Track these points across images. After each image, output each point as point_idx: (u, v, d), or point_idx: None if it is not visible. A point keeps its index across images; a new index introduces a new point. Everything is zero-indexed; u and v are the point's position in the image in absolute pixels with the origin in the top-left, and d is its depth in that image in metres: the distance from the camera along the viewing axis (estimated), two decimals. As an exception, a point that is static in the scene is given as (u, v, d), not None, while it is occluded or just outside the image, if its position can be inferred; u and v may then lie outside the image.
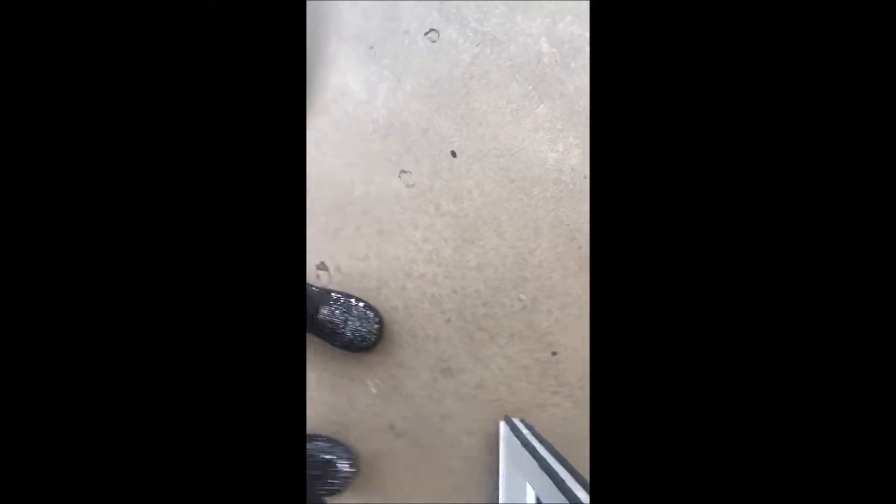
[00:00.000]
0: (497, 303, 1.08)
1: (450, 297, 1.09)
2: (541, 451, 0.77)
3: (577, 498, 0.56)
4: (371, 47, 1.11)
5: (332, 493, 0.98)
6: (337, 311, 1.01)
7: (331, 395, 1.05)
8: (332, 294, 1.02)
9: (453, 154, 1.10)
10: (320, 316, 0.99)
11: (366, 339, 1.00)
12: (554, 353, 1.08)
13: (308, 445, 0.98)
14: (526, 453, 0.79)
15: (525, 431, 0.90)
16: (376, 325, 1.01)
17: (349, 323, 1.01)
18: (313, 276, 1.08)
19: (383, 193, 1.09)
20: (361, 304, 1.02)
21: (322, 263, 1.08)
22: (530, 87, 1.10)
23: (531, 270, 1.07)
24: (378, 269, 1.09)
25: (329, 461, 0.98)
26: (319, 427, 1.04)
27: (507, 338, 1.08)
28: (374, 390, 1.05)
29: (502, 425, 0.99)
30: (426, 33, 1.10)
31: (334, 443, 1.00)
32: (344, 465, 0.98)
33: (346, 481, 0.98)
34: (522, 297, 1.09)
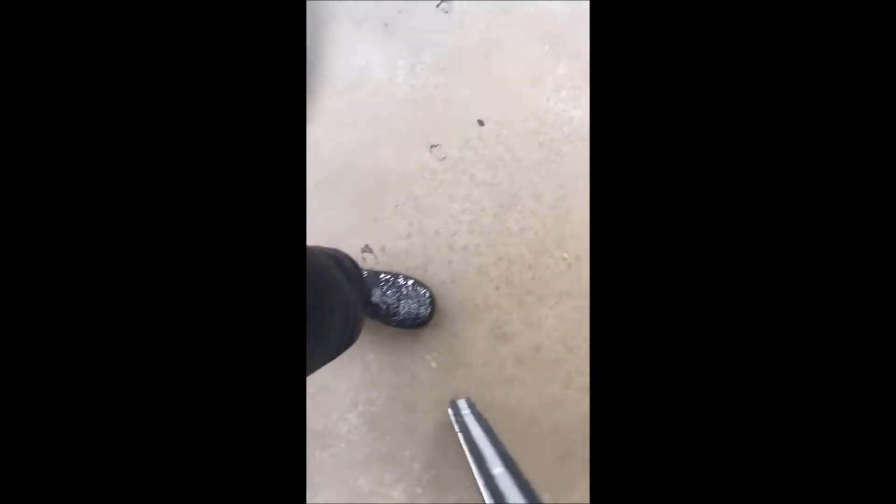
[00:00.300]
0: (542, 265, 1.09)
1: (496, 265, 1.09)
2: (473, 431, 0.80)
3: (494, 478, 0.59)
4: (386, 25, 1.10)
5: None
6: (388, 292, 1.01)
7: (393, 375, 1.05)
8: (381, 276, 1.02)
9: (480, 123, 1.10)
10: (373, 299, 1.00)
11: (419, 315, 1.01)
12: (604, 307, 1.09)
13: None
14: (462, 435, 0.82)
15: (465, 412, 0.92)
16: (428, 301, 1.01)
17: (401, 302, 1.01)
18: (359, 260, 1.07)
19: (417, 170, 1.09)
20: (411, 282, 1.03)
21: (366, 246, 1.08)
22: (547, 48, 1.11)
23: (571, 229, 1.08)
24: (422, 246, 1.09)
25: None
26: (388, 407, 1.04)
27: (556, 298, 1.09)
28: (434, 364, 1.06)
29: (449, 410, 1.00)
30: (438, 5, 1.10)
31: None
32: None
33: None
34: (566, 256, 1.10)
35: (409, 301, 1.01)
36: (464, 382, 1.06)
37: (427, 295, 1.02)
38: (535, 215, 1.10)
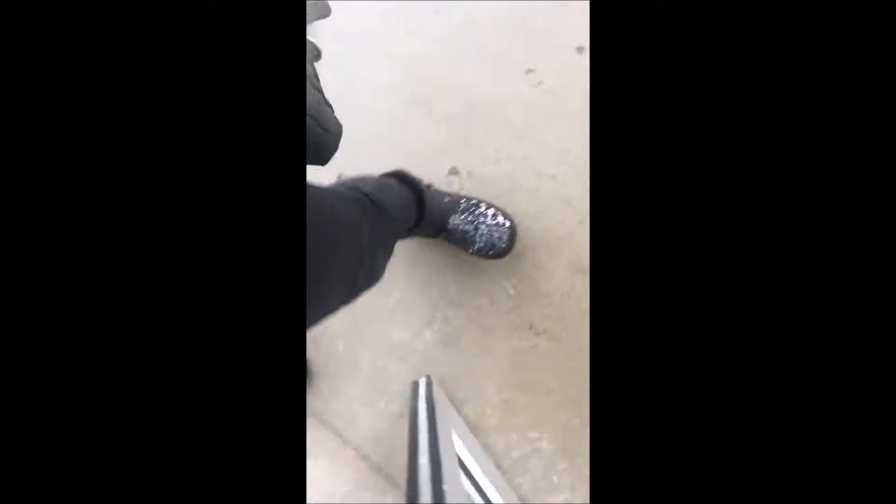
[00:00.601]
0: (631, 201, 1.06)
1: (582, 198, 1.07)
2: (419, 416, 0.80)
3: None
4: (492, -59, 1.07)
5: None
6: (468, 218, 1.00)
7: (471, 297, 1.06)
8: (462, 201, 1.02)
9: (579, 50, 1.06)
10: (450, 224, 0.99)
11: (496, 246, 1.00)
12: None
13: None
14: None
15: (422, 392, 0.92)
16: (507, 232, 1.00)
17: (479, 230, 1.01)
18: (444, 182, 1.07)
19: (510, 94, 1.07)
20: (491, 211, 1.02)
21: (453, 168, 1.08)
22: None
23: (665, 166, 1.04)
24: (510, 172, 1.07)
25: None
26: (464, 328, 1.05)
27: (644, 236, 1.06)
28: (512, 291, 1.06)
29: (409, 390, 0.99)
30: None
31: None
32: (506, 224, 0.99)
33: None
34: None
35: (489, 230, 1.01)
36: (541, 312, 1.06)
37: (507, 226, 1.01)
38: (628, 150, 1.06)
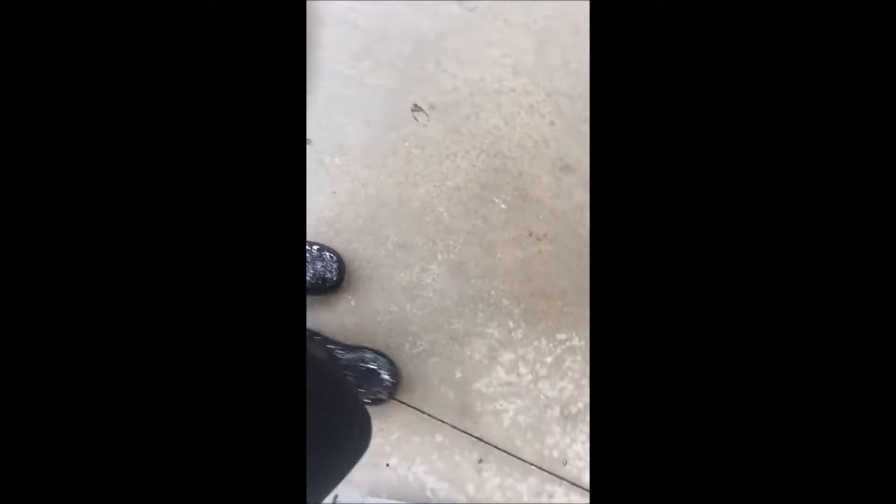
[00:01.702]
0: (592, 92, 1.09)
1: (546, 101, 1.09)
2: None
3: None
4: None
5: (376, 402, 0.97)
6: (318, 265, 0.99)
7: (465, 222, 1.06)
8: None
9: (504, -33, 1.10)
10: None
11: (326, 279, 0.99)
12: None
13: (352, 355, 0.97)
14: None
15: None
16: (335, 266, 0.99)
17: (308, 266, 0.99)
18: (411, 120, 1.08)
19: (449, 24, 1.09)
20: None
21: (415, 105, 1.09)
22: None
23: (614, 52, 1.07)
24: (469, 95, 1.09)
25: (372, 371, 0.96)
26: (466, 252, 1.05)
27: (612, 121, 1.08)
28: (503, 206, 1.07)
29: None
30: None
31: (377, 353, 0.98)
32: (385, 376, 0.96)
33: (390, 391, 0.97)
34: (614, 79, 1.09)
35: (316, 266, 0.99)
36: (536, 218, 1.06)
37: (334, 259, 1.00)
38: (576, 47, 1.09)
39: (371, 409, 0.99)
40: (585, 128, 1.09)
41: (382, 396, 0.97)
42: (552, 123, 1.09)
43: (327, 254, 1.00)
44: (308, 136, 1.09)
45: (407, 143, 1.09)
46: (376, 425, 1.02)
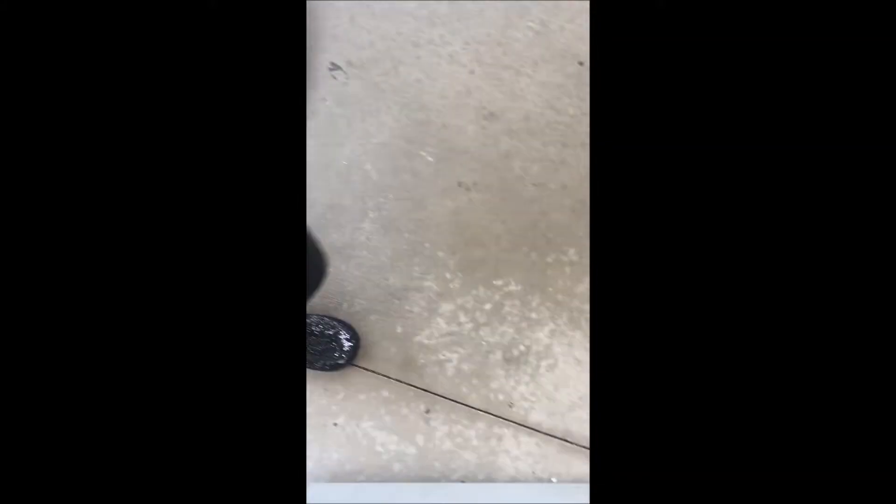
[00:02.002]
0: (510, 38, 1.08)
1: (464, 50, 1.08)
2: None
3: None
4: None
5: (336, 367, 0.97)
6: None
7: (394, 178, 1.05)
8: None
9: (411, -85, 1.08)
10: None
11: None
12: (581, 63, 1.09)
13: (308, 321, 0.96)
14: None
15: None
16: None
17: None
18: (329, 78, 1.06)
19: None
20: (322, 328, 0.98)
21: (333, 64, 1.07)
22: None
23: (529, -3, 1.07)
24: (387, 50, 1.08)
25: (332, 336, 0.96)
26: (398, 208, 1.05)
27: (533, 65, 1.08)
28: (431, 158, 1.06)
29: None
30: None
31: (332, 319, 0.98)
32: (345, 339, 0.97)
33: (350, 355, 0.97)
34: (531, 24, 1.09)
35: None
36: (464, 168, 1.06)
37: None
38: (489, -8, 1.08)
39: (318, 374, 0.99)
40: (506, 74, 1.09)
41: (341, 362, 0.96)
42: (472, 72, 1.08)
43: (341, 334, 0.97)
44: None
45: (327, 102, 1.07)
46: (321, 386, 1.02)
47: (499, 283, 1.05)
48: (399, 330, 1.04)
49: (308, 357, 0.96)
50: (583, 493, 0.96)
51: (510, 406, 1.02)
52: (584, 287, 1.04)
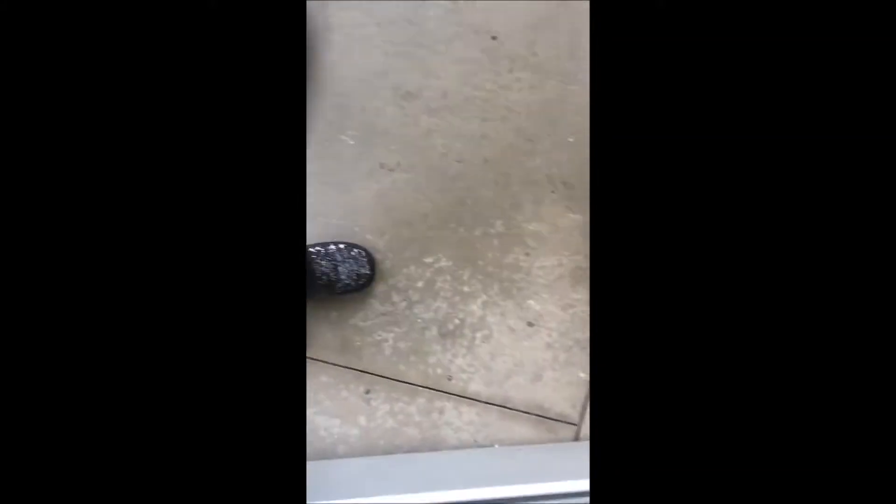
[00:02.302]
0: (422, 16, 1.09)
1: (378, 32, 1.08)
2: None
3: None
4: None
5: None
6: (323, 263, 1.00)
7: (317, 164, 1.05)
8: (310, 250, 1.00)
9: None
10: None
11: (361, 274, 1.01)
12: (494, 38, 1.10)
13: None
14: None
15: None
16: (365, 259, 1.01)
17: (339, 268, 1.00)
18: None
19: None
20: (342, 246, 1.01)
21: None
22: None
23: (438, -26, 1.08)
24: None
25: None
26: (323, 194, 1.04)
27: (446, 43, 1.09)
28: (352, 142, 1.06)
29: None
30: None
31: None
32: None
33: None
34: (442, 1, 1.09)
35: (348, 265, 1.00)
36: (386, 149, 1.07)
37: (363, 254, 1.01)
38: (398, -28, 1.08)
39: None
40: (420, 52, 1.09)
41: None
42: (386, 53, 1.09)
43: (355, 250, 0.99)
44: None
45: (240, 92, 1.05)
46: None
47: (429, 260, 1.06)
48: (334, 314, 1.04)
49: None
50: (523, 455, 1.00)
51: (449, 379, 1.04)
52: (512, 257, 1.07)
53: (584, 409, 1.05)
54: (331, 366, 1.02)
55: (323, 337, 1.03)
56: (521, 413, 1.03)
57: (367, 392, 1.03)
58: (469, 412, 1.03)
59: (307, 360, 1.01)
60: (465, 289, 1.05)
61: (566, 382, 1.04)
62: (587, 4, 1.06)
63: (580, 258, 1.07)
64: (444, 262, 1.06)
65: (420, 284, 1.05)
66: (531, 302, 1.06)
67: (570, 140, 1.11)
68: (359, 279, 1.00)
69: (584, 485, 0.95)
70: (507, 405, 1.03)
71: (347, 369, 1.02)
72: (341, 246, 1.02)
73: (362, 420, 1.02)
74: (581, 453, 1.02)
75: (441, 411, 1.03)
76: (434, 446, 1.02)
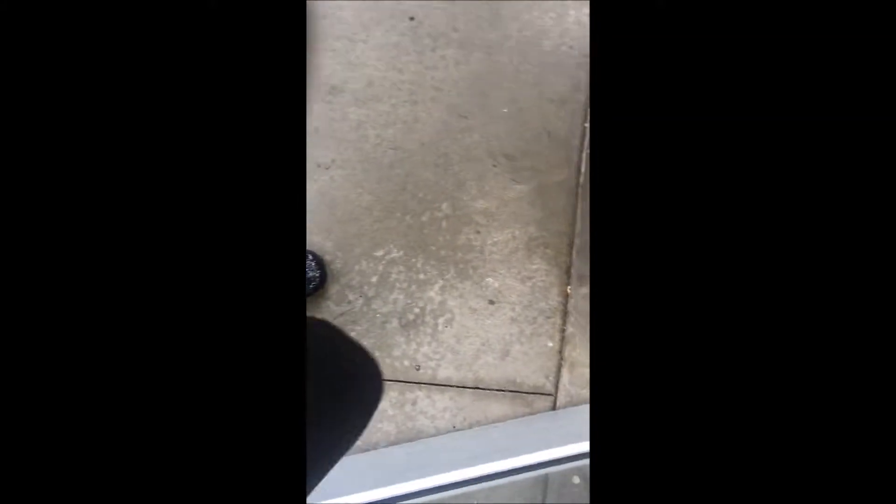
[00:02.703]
0: (336, 7, 1.07)
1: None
2: None
3: None
4: None
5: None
6: None
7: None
8: None
9: None
10: None
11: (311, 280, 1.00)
12: (411, 18, 1.08)
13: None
14: None
15: None
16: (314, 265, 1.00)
17: None
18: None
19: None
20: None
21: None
22: None
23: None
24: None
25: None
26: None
27: (365, 32, 1.07)
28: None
29: None
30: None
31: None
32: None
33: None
34: (353, -11, 1.07)
35: None
36: (319, 146, 1.05)
37: (310, 257, 1.00)
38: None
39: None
40: (339, 44, 1.07)
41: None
42: (309, 48, 1.06)
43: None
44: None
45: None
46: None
47: (380, 253, 1.05)
48: (290, 323, 1.03)
49: None
50: (500, 432, 0.99)
51: (417, 369, 1.03)
52: (464, 238, 1.06)
53: (557, 377, 1.04)
54: (295, 374, 1.01)
55: (283, 347, 1.02)
56: (496, 391, 1.02)
57: (336, 395, 1.01)
58: (442, 399, 1.02)
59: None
60: (421, 276, 1.04)
61: (535, 354, 1.03)
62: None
63: (532, 228, 1.06)
64: (395, 253, 1.05)
65: (374, 279, 1.04)
66: (489, 279, 1.04)
67: (504, 111, 1.09)
68: (308, 283, 0.98)
69: (570, 450, 0.95)
70: (480, 386, 1.02)
71: (312, 375, 1.01)
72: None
73: (335, 424, 1.01)
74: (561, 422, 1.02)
75: (414, 402, 1.02)
76: (411, 439, 1.01)
